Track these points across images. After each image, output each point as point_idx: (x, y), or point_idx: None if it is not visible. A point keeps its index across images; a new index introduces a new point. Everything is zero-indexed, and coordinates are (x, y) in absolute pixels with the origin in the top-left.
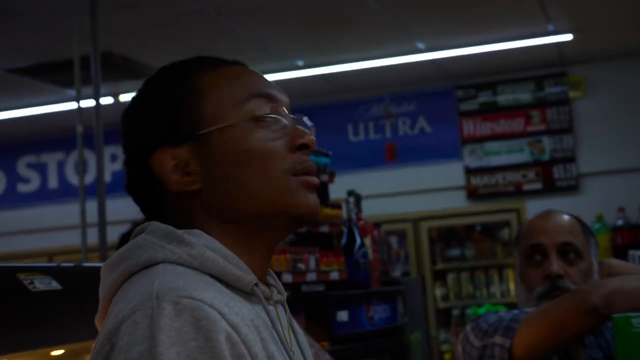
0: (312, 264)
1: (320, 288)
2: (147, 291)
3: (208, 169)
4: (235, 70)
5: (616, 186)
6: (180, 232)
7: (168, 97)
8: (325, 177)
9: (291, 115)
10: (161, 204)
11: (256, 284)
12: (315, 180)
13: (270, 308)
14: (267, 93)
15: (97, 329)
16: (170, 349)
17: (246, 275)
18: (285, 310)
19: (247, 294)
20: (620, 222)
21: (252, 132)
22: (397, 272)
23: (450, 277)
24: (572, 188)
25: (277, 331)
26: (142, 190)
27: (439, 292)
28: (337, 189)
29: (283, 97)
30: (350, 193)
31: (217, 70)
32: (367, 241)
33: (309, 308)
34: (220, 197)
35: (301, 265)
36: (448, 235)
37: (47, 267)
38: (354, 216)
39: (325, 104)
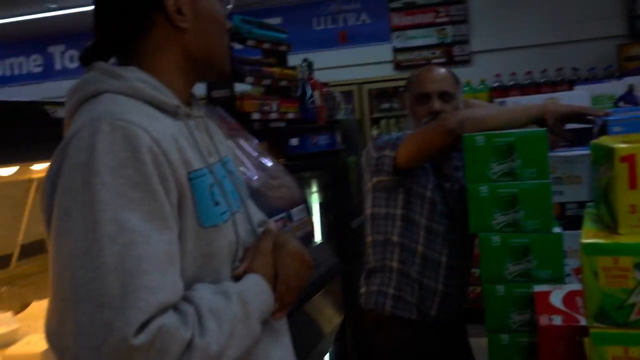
0: (274, 107)
1: (281, 124)
2: (91, 115)
3: (194, 17)
4: None
5: (494, 60)
6: (116, 68)
7: None
8: (284, 47)
9: None
10: (140, 41)
11: (178, 106)
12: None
13: (190, 122)
14: None
15: None
16: (105, 156)
17: (170, 100)
18: (203, 122)
19: (172, 114)
20: (495, 84)
21: (218, 7)
22: (339, 117)
23: (383, 122)
24: (465, 62)
25: (194, 138)
26: (124, 33)
27: (375, 132)
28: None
29: None
30: (304, 60)
31: None
32: (316, 94)
33: (271, 137)
34: (196, 39)
35: (267, 108)
36: (381, 94)
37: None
38: (306, 76)
39: (298, 3)
